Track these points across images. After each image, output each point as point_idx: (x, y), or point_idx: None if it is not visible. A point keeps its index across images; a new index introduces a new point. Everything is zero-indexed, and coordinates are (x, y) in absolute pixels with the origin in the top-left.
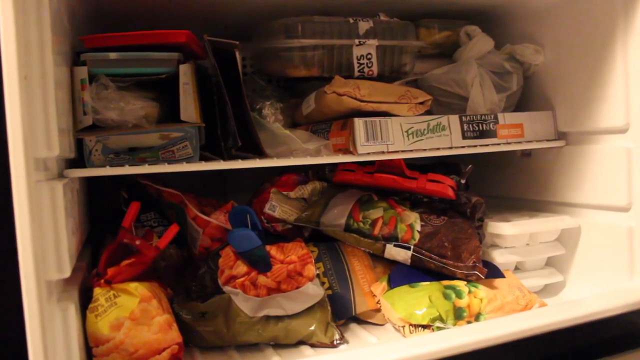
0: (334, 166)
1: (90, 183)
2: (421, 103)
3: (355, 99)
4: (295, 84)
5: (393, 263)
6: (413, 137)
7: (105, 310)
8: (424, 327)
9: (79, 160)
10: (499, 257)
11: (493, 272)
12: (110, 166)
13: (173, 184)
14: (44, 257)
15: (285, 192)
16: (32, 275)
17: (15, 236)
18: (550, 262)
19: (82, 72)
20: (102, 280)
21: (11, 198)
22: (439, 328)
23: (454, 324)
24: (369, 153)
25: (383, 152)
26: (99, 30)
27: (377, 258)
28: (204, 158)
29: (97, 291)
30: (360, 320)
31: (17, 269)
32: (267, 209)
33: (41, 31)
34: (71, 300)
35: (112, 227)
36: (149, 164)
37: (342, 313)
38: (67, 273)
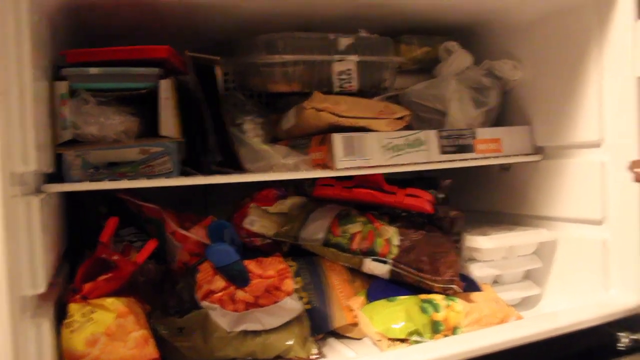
0: (313, 181)
1: (69, 198)
2: (400, 118)
3: (334, 114)
4: (276, 99)
5: (371, 277)
6: (391, 152)
7: (81, 325)
8: (401, 341)
9: (58, 174)
10: (477, 271)
11: (471, 285)
12: (90, 181)
13: (155, 199)
14: (18, 272)
15: (264, 207)
16: (5, 290)
17: None
18: (528, 275)
19: (63, 86)
20: (78, 296)
21: None
22: (415, 342)
23: (431, 338)
24: (347, 168)
25: (361, 167)
26: (81, 44)
27: (356, 272)
28: (184, 173)
29: (73, 307)
30: (338, 335)
31: None
32: (246, 224)
33: (20, 45)
34: (46, 316)
35: (91, 243)
36: (128, 179)
37: (320, 327)
38: (41, 289)
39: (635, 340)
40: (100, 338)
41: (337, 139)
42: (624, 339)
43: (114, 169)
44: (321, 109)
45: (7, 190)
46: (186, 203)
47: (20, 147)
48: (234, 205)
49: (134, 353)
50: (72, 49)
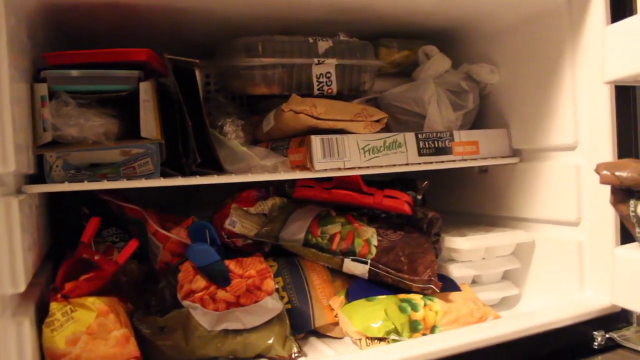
0: (293, 182)
1: (51, 199)
2: (377, 121)
3: (312, 116)
4: (257, 101)
5: (351, 277)
6: (369, 154)
7: (62, 324)
8: (380, 339)
9: (39, 176)
10: (456, 271)
11: (449, 285)
12: (71, 182)
13: (137, 199)
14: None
15: (245, 208)
16: None
17: None
18: (506, 276)
19: (42, 88)
20: (59, 295)
21: None
22: (394, 340)
23: (410, 337)
24: (325, 169)
25: (340, 169)
26: (61, 47)
27: (336, 272)
28: (165, 174)
29: (54, 306)
30: (319, 334)
31: None
32: (227, 225)
33: None
34: (26, 315)
35: (73, 243)
36: (108, 180)
37: (301, 327)
38: (21, 288)
39: (610, 339)
40: (82, 337)
41: (316, 140)
42: (599, 338)
43: (95, 171)
44: (299, 111)
45: None
46: (169, 205)
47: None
48: (215, 206)
49: (115, 351)
50: (52, 52)
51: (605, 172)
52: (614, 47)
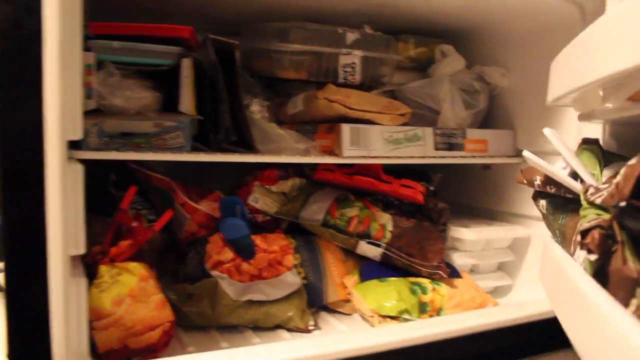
0: (313, 165)
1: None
2: (402, 114)
3: (345, 106)
4: (278, 83)
5: (362, 258)
6: (392, 145)
7: (109, 286)
8: (392, 318)
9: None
10: (458, 259)
11: (452, 272)
12: (105, 150)
13: (151, 169)
14: (68, 233)
15: (267, 186)
16: (60, 250)
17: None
18: (501, 267)
19: (90, 57)
20: (107, 258)
21: (40, 178)
22: (405, 320)
23: (419, 317)
24: (351, 157)
25: (364, 157)
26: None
27: (349, 253)
28: (194, 148)
29: (103, 268)
30: (329, 309)
31: (39, 243)
32: (250, 201)
33: (75, 16)
34: (82, 276)
35: (96, 208)
36: (141, 150)
37: (314, 301)
38: (82, 250)
39: None
40: (125, 299)
41: (346, 129)
42: None
43: (127, 139)
44: (333, 100)
45: (64, 157)
46: (179, 177)
47: (72, 116)
48: (238, 183)
49: (154, 315)
50: (97, 22)
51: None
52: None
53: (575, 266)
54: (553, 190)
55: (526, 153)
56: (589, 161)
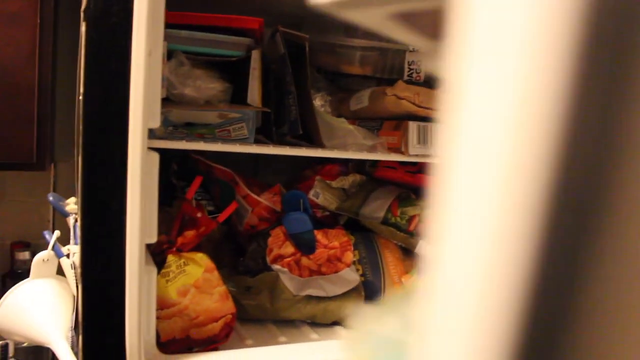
0: (374, 162)
1: None
2: None
3: (413, 103)
4: (338, 77)
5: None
6: None
7: (175, 276)
8: None
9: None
10: None
11: None
12: (169, 139)
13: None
14: (145, 221)
15: (328, 181)
16: (138, 238)
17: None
18: None
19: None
20: (175, 248)
21: (123, 165)
22: None
23: None
24: (417, 155)
25: (430, 156)
26: None
27: (407, 252)
28: (256, 140)
29: (170, 258)
30: None
31: (118, 230)
32: (311, 195)
33: (159, 4)
34: (153, 264)
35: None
36: (205, 141)
37: (371, 300)
38: (154, 238)
39: None
40: (190, 289)
41: (413, 127)
42: None
43: (191, 129)
44: (402, 97)
45: (145, 146)
46: (235, 170)
47: (153, 104)
48: (298, 177)
49: (217, 306)
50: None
51: None
52: None
53: None
54: None
55: None
56: None
